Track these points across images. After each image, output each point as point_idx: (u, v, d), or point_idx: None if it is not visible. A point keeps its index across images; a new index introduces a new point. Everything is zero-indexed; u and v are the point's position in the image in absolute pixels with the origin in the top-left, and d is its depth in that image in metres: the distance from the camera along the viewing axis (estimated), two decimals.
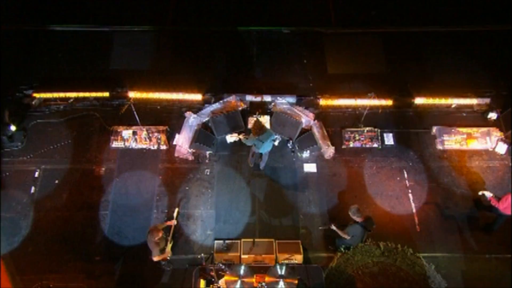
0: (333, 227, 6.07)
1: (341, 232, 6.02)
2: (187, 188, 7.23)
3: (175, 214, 6.65)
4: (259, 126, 6.23)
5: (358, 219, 5.81)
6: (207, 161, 7.52)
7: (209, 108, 7.90)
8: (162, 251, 5.92)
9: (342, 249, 6.25)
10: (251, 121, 7.73)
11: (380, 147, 7.68)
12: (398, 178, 7.37)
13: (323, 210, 7.06)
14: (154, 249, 5.80)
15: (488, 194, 6.29)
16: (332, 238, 6.57)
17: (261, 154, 6.98)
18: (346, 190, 7.25)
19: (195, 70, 8.54)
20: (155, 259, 5.83)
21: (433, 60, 8.68)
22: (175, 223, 6.42)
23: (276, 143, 7.68)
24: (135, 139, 7.60)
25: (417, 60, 8.70)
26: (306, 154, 7.59)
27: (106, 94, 7.96)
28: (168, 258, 6.09)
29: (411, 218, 6.97)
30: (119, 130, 7.67)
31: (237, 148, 7.64)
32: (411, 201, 7.14)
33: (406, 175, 7.39)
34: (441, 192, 7.19)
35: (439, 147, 7.62)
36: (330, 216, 6.96)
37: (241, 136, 6.72)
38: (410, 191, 7.24)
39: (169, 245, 6.04)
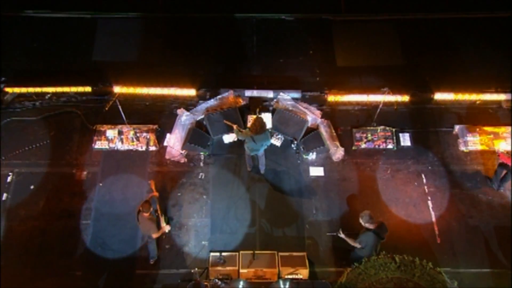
0: (342, 235, 6.07)
1: (351, 241, 6.01)
2: (179, 194, 7.24)
3: (152, 187, 6.60)
4: (260, 124, 6.26)
5: (371, 226, 5.81)
6: (201, 164, 7.54)
7: (203, 105, 7.92)
8: (158, 227, 6.11)
9: (356, 264, 6.24)
10: (251, 119, 7.76)
11: (395, 148, 7.70)
12: (415, 183, 7.38)
13: (331, 219, 7.07)
14: (151, 227, 5.98)
15: (501, 149, 6.43)
16: (343, 251, 6.55)
17: (257, 156, 7.01)
18: (357, 197, 7.25)
19: (188, 63, 8.57)
20: (155, 235, 6.15)
21: (455, 50, 8.71)
22: (157, 194, 6.48)
23: (278, 144, 7.74)
24: (121, 140, 7.62)
25: (437, 51, 8.73)
26: (312, 156, 7.61)
27: (88, 88, 7.97)
28: (167, 231, 6.42)
29: (431, 228, 6.97)
30: (102, 129, 7.69)
31: (235, 150, 7.66)
32: (431, 209, 7.14)
33: (424, 180, 7.40)
34: (464, 199, 7.20)
35: (462, 148, 7.64)
36: (339, 225, 6.93)
37: (235, 127, 6.71)
38: (429, 197, 7.25)
39: (163, 218, 6.22)
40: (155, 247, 6.58)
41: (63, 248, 6.78)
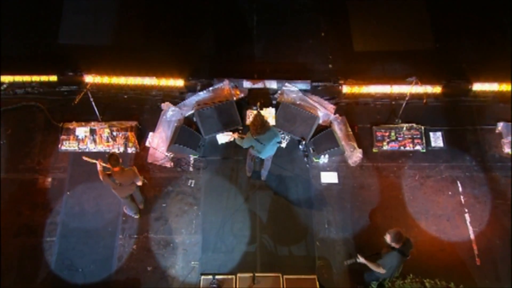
0: (361, 260, 6.03)
1: (374, 266, 5.96)
2: (164, 205, 7.26)
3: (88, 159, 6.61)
4: (260, 122, 6.20)
5: (397, 246, 5.78)
6: (191, 168, 7.55)
7: (193, 98, 7.93)
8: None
9: (373, 287, 6.21)
10: (250, 115, 7.75)
11: (424, 150, 7.70)
12: (449, 192, 7.39)
13: (346, 235, 7.05)
14: (133, 174, 6.29)
15: None
16: (360, 273, 6.55)
17: (262, 159, 7.01)
18: (378, 208, 7.26)
19: (175, 47, 8.57)
20: (141, 182, 6.47)
21: (499, 31, 8.67)
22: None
23: (283, 145, 7.71)
24: (94, 140, 7.61)
25: (477, 32, 8.72)
26: (324, 159, 7.60)
27: (54, 78, 7.97)
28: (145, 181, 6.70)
29: (468, 247, 6.97)
30: (71, 127, 7.68)
31: (232, 151, 7.66)
32: (468, 223, 7.14)
33: (460, 188, 7.41)
34: (510, 212, 7.19)
35: (507, 150, 7.63)
36: (356, 243, 6.95)
37: (235, 136, 6.76)
38: (466, 209, 7.25)
39: (129, 169, 6.38)
40: (134, 204, 6.88)
41: (22, 272, 6.76)
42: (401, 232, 5.72)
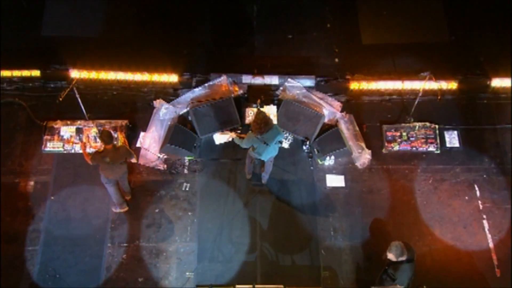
0: None
1: None
2: (156, 210, 7.24)
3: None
4: (263, 120, 6.16)
5: (403, 258, 5.76)
6: (185, 171, 7.55)
7: (188, 95, 7.92)
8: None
9: None
10: (250, 113, 7.74)
11: (439, 150, 7.69)
12: (466, 197, 7.37)
13: (354, 243, 7.04)
14: (126, 151, 6.49)
15: None
16: (370, 284, 6.43)
17: (262, 161, 6.98)
18: (388, 214, 7.25)
19: (168, 39, 8.56)
20: (135, 159, 6.73)
21: None
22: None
23: (285, 146, 7.69)
24: (80, 140, 7.60)
25: (495, 23, 8.69)
26: (329, 161, 7.59)
27: (36, 73, 7.97)
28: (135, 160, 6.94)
29: (487, 257, 6.96)
30: (55, 126, 7.66)
31: (230, 152, 7.66)
32: (487, 231, 7.12)
33: (478, 193, 7.40)
34: None
35: None
36: (365, 252, 6.93)
37: (234, 135, 6.73)
38: (484, 216, 7.23)
39: (122, 145, 6.69)
40: (120, 195, 6.96)
41: (2, 283, 6.71)
42: (400, 243, 5.71)
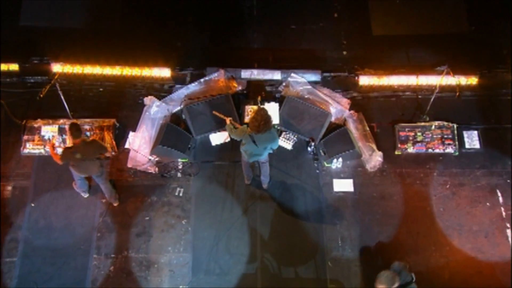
0: None
1: None
2: (147, 218, 7.23)
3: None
4: (264, 117, 6.12)
5: (397, 284, 5.73)
6: (179, 175, 7.54)
7: (182, 91, 7.95)
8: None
9: None
10: (250, 111, 7.69)
11: (457, 152, 7.68)
12: (488, 204, 7.35)
13: (364, 254, 7.01)
14: (99, 146, 6.47)
15: None
16: None
17: (253, 164, 7.03)
18: (401, 222, 7.24)
19: (160, 30, 8.57)
20: (109, 153, 6.87)
21: None
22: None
23: (289, 147, 7.70)
24: (63, 140, 7.57)
25: None
26: (337, 163, 7.56)
27: (15, 66, 7.98)
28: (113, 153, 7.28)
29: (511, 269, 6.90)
30: (36, 126, 7.65)
31: (227, 154, 7.68)
32: (510, 240, 7.10)
33: (501, 199, 7.37)
34: None
35: None
36: (376, 264, 6.86)
37: (228, 121, 6.69)
38: (508, 224, 7.22)
39: (93, 140, 6.64)
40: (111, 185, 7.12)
41: None
42: (388, 272, 5.66)
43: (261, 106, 6.47)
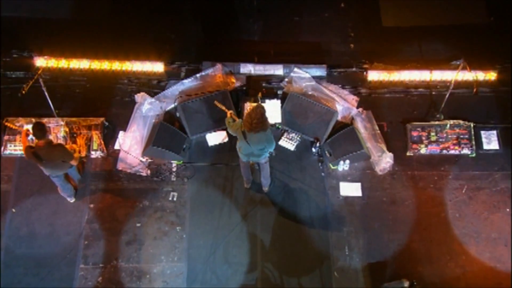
0: None
1: None
2: (138, 225, 7.21)
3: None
4: (259, 115, 6.09)
5: None
6: (173, 178, 7.53)
7: (176, 87, 7.96)
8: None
9: None
10: (249, 109, 7.52)
11: (474, 154, 7.66)
12: (507, 209, 7.34)
13: (373, 263, 6.99)
14: (64, 151, 6.41)
15: None
16: None
17: (252, 165, 7.02)
18: (414, 230, 7.22)
19: (152, 22, 8.57)
20: (75, 161, 6.66)
21: None
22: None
23: (292, 148, 7.68)
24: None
25: None
26: (344, 165, 7.52)
27: None
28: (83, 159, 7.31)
29: None
30: (17, 125, 7.60)
31: (225, 156, 7.68)
32: None
33: None
34: None
35: None
36: (386, 274, 6.86)
37: (229, 114, 6.65)
38: None
39: (58, 144, 6.57)
40: (69, 185, 7.10)
41: None
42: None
43: (261, 104, 6.40)
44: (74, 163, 6.58)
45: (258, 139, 6.20)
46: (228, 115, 6.57)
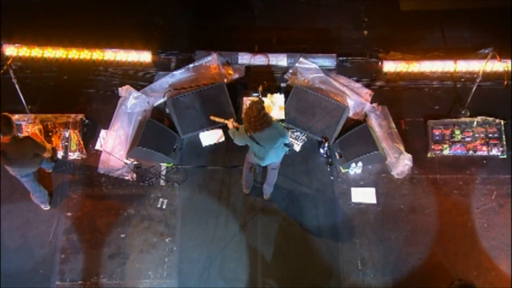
0: None
1: None
2: (122, 236, 7.17)
3: None
4: (256, 112, 6.03)
5: None
6: (162, 182, 7.49)
7: (166, 79, 7.99)
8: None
9: None
10: (248, 104, 7.50)
11: (505, 155, 7.66)
12: None
13: (389, 280, 6.94)
14: (35, 144, 6.38)
15: None
16: None
17: (263, 167, 7.03)
18: (436, 241, 7.17)
19: (138, 6, 8.59)
20: (48, 152, 6.63)
21: None
22: None
23: (297, 148, 7.73)
24: None
25: None
26: (355, 168, 7.50)
27: None
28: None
29: None
30: None
31: (221, 157, 7.69)
32: None
33: None
34: None
35: None
36: None
37: (230, 124, 6.57)
38: None
39: (25, 137, 6.52)
40: (42, 187, 7.06)
41: None
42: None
43: (258, 99, 6.31)
44: (47, 155, 6.56)
45: (268, 136, 6.13)
46: (230, 125, 6.47)
